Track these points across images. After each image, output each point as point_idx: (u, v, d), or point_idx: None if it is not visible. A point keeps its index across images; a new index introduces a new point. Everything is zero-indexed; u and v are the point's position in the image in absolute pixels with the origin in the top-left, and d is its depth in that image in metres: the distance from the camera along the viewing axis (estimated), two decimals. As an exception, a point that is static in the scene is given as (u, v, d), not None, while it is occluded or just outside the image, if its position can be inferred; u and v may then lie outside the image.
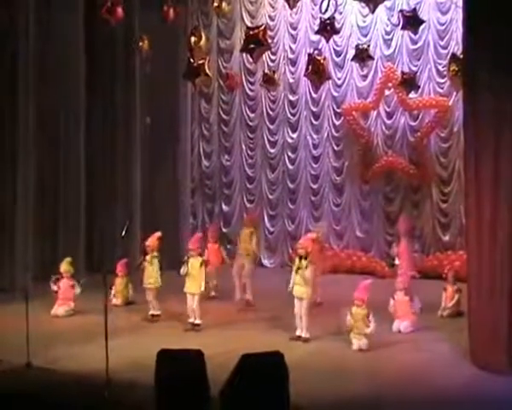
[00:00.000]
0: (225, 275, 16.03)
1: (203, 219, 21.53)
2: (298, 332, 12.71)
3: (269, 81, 18.61)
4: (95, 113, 18.94)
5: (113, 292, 15.30)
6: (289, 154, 20.64)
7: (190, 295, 13.46)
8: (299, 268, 12.67)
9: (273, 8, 20.49)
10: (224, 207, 21.44)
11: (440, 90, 18.64)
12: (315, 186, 20.33)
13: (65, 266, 15.08)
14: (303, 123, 20.43)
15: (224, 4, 16.52)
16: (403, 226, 15.50)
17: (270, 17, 20.44)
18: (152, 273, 14.32)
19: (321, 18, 15.57)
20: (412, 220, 17.77)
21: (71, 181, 18.53)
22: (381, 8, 16.07)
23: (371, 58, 17.49)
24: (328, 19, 15.31)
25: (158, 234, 14.68)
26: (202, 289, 13.51)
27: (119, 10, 15.18)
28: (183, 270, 13.46)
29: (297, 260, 12.89)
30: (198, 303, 13.47)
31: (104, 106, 19.02)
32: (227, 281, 15.87)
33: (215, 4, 16.41)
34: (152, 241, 14.54)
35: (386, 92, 19.15)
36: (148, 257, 14.34)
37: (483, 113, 10.72)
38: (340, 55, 19.70)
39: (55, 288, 14.84)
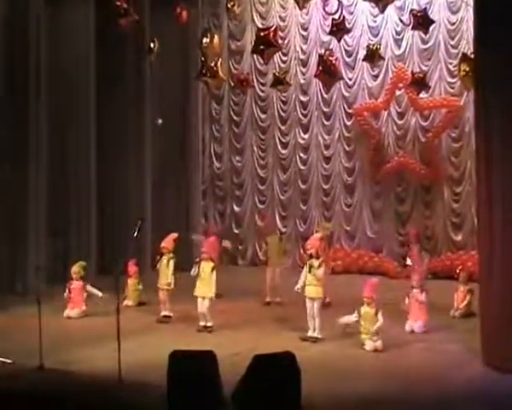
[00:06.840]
0: (234, 275, 15.98)
1: (214, 221, 21.52)
2: (310, 332, 12.67)
3: (280, 83, 18.50)
4: (105, 115, 18.96)
5: (124, 293, 15.30)
6: (301, 154, 20.64)
7: (201, 298, 13.43)
8: (311, 267, 12.67)
9: (284, 8, 20.49)
10: (235, 208, 21.45)
11: (451, 90, 18.64)
12: (326, 187, 20.33)
13: (75, 269, 15.09)
14: (314, 124, 20.44)
15: (237, 5, 16.51)
16: (412, 234, 15.64)
17: (280, 18, 20.44)
18: (166, 275, 14.25)
19: (332, 18, 15.56)
20: (421, 224, 18.12)
21: (82, 183, 18.60)
22: (391, 8, 16.08)
23: (382, 58, 17.45)
24: (338, 18, 15.31)
25: (174, 235, 14.63)
26: (213, 294, 13.45)
27: (135, 15, 15.13)
28: (193, 271, 13.45)
29: (308, 259, 12.91)
30: (209, 307, 13.41)
31: (115, 108, 19.01)
32: (236, 281, 15.86)
33: (229, 5, 16.39)
34: (168, 242, 14.50)
35: (397, 92, 19.14)
36: (164, 258, 14.33)
37: (494, 113, 10.70)
38: (350, 56, 19.71)
39: (67, 294, 14.85)
